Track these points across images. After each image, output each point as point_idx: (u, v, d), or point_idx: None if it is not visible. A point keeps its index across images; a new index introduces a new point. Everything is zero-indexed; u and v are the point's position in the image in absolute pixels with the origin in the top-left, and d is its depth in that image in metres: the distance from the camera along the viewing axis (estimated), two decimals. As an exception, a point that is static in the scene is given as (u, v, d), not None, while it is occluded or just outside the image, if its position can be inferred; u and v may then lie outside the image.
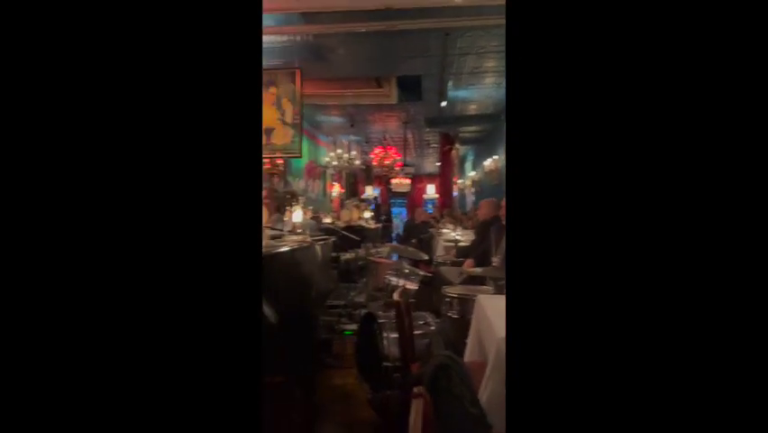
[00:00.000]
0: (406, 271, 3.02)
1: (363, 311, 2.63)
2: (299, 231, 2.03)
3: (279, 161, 5.50)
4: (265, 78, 3.93)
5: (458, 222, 5.52)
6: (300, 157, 4.66)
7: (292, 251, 1.77)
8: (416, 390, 0.71)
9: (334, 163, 7.13)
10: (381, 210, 8.53)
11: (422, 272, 3.06)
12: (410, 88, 5.56)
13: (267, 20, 3.71)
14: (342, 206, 6.53)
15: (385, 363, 1.94)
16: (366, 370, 2.17)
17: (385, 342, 1.99)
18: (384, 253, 3.32)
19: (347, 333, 2.67)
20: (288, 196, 2.29)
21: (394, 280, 2.96)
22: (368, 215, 4.97)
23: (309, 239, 2.04)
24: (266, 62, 4.21)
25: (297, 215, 2.04)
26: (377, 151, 8.10)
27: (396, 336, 1.98)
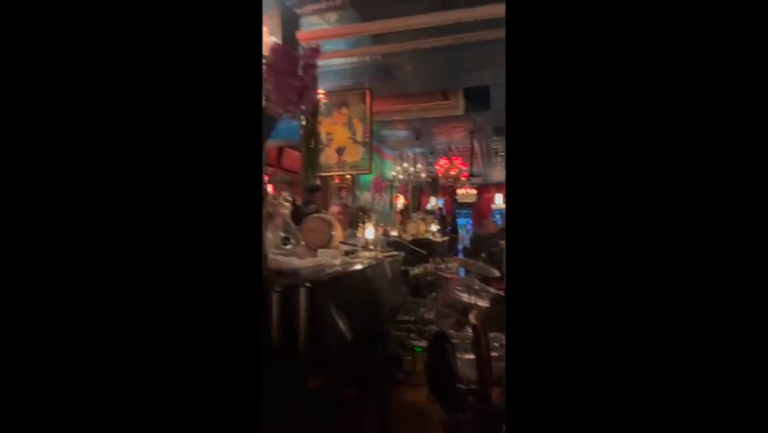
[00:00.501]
0: (477, 287, 2.92)
1: (433, 328, 2.60)
2: (371, 247, 2.07)
3: (347, 177, 5.72)
4: (337, 98, 4.15)
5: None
6: (370, 173, 4.83)
7: (366, 267, 1.81)
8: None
9: (401, 177, 7.23)
10: (447, 222, 8.41)
11: (493, 290, 2.94)
12: (477, 99, 5.46)
13: (338, 44, 3.93)
14: (406, 218, 6.57)
15: (459, 385, 1.88)
16: (438, 390, 2.12)
17: (459, 363, 1.93)
18: (453, 267, 3.25)
19: (417, 349, 2.65)
20: (361, 213, 2.36)
21: (464, 297, 2.88)
22: (434, 227, 4.93)
23: (381, 255, 2.08)
24: (337, 84, 4.44)
25: (369, 231, 2.09)
26: (442, 162, 8.04)
27: (470, 357, 1.92)
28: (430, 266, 3.06)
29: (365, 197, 6.95)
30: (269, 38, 1.60)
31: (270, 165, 4.98)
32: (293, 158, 5.35)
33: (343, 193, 6.00)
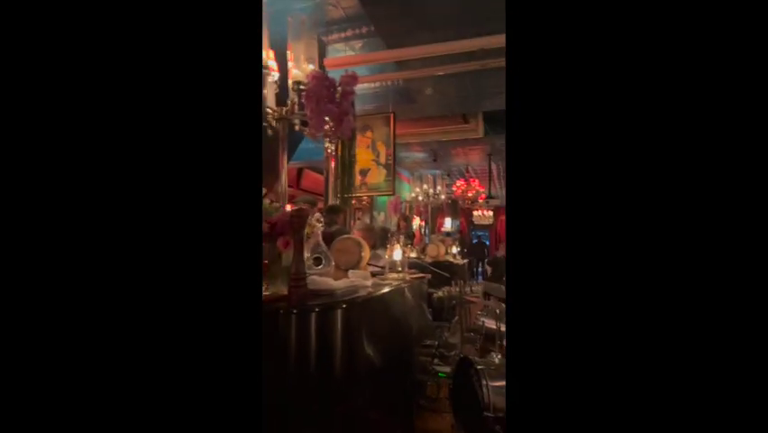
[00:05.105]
0: (498, 311, 2.87)
1: (457, 353, 2.54)
2: (399, 269, 2.07)
3: (365, 198, 5.78)
4: (362, 122, 4.26)
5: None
6: (393, 194, 4.88)
7: (394, 290, 1.81)
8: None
9: (420, 198, 7.26)
10: (464, 243, 8.36)
11: (517, 314, 2.87)
12: (497, 121, 5.52)
13: (362, 69, 4.06)
14: (422, 239, 6.53)
15: (486, 414, 1.82)
16: (463, 418, 2.06)
17: (485, 390, 1.88)
18: (478, 291, 3.21)
19: (441, 375, 2.59)
20: (390, 234, 2.38)
21: (487, 321, 2.82)
22: (455, 250, 4.90)
23: (408, 277, 2.07)
24: (360, 108, 4.56)
25: (397, 253, 2.09)
26: (459, 183, 8.06)
27: (496, 384, 1.86)
28: (454, 289, 3.03)
29: (381, 217, 6.97)
30: (308, 65, 1.68)
31: (290, 186, 5.06)
32: (312, 179, 5.45)
33: (359, 214, 6.04)
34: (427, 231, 8.53)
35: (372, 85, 4.38)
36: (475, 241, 10.65)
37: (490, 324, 2.74)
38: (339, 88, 1.54)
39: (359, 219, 5.90)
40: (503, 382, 1.62)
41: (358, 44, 3.79)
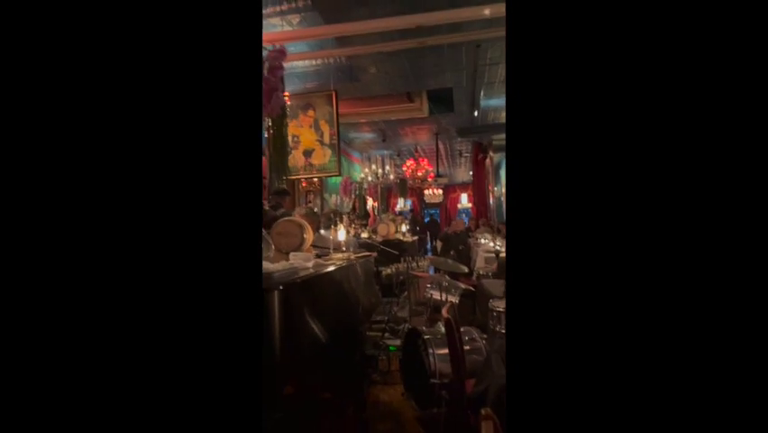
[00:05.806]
0: (446, 284, 3.00)
1: (406, 326, 2.63)
2: (344, 249, 2.08)
3: (315, 180, 5.66)
4: (303, 101, 4.11)
5: (496, 232, 5.40)
6: (339, 175, 4.81)
7: (339, 269, 1.81)
8: (483, 412, 0.71)
9: (370, 179, 7.26)
10: (417, 222, 8.55)
11: (463, 286, 3.03)
12: (441, 101, 5.60)
13: (302, 46, 3.90)
14: (376, 220, 6.58)
15: (432, 380, 1.92)
16: (412, 386, 2.16)
17: (431, 358, 1.98)
18: (424, 266, 3.32)
19: (391, 348, 2.68)
20: (333, 215, 2.36)
21: (435, 294, 2.95)
22: (404, 228, 4.99)
23: (354, 256, 2.09)
24: (302, 86, 4.39)
25: (341, 233, 2.10)
26: (409, 163, 8.16)
27: (442, 352, 1.96)
28: (402, 265, 3.11)
29: (333, 200, 6.91)
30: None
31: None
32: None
33: (311, 197, 5.93)
34: (378, 211, 8.60)
35: (314, 62, 4.23)
36: (428, 219, 10.93)
37: (438, 296, 2.87)
38: (266, 64, 1.47)
39: (310, 202, 5.80)
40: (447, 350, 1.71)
41: (295, 19, 3.62)
